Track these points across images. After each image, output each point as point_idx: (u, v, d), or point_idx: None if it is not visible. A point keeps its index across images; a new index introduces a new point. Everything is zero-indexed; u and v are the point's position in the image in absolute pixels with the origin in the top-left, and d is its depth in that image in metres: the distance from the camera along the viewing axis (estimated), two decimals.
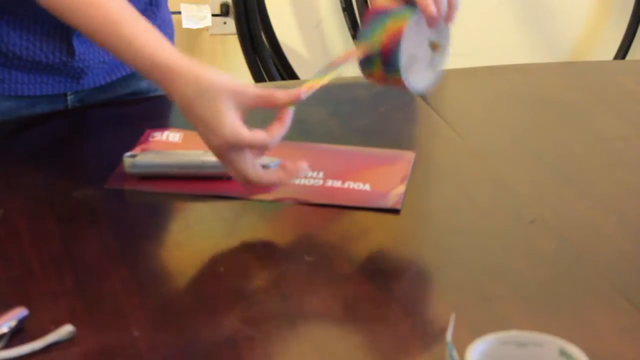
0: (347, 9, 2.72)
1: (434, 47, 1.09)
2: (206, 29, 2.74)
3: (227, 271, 0.97)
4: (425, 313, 0.91)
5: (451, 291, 0.95)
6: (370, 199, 1.09)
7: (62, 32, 1.22)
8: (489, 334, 0.74)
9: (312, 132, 1.24)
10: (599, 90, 1.44)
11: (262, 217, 1.07)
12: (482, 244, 1.03)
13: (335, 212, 1.07)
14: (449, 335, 0.73)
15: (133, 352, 0.84)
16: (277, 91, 1.01)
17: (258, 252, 1.00)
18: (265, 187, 1.04)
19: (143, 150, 1.15)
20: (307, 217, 1.07)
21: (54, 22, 1.19)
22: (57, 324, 0.85)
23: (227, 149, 1.00)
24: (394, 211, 1.07)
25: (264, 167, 1.04)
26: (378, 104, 1.36)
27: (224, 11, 2.73)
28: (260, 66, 2.64)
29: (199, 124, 1.01)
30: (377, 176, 1.13)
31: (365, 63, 1.09)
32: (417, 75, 1.08)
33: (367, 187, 1.11)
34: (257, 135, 1.00)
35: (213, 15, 2.71)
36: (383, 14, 1.08)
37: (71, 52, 1.24)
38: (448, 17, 1.07)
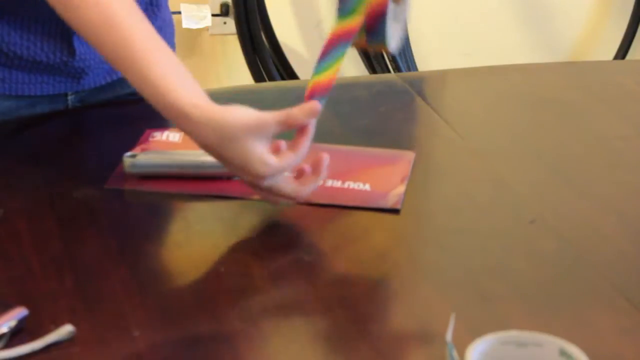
0: None
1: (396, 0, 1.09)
2: (206, 29, 2.74)
3: (227, 271, 0.97)
4: (425, 313, 0.91)
5: (451, 291, 0.95)
6: (370, 199, 1.09)
7: (63, 32, 1.22)
8: (489, 334, 0.74)
9: None
10: (599, 90, 1.44)
11: (262, 217, 1.07)
12: (482, 244, 1.03)
13: (335, 212, 1.07)
14: (449, 335, 0.73)
15: (133, 352, 0.84)
16: (292, 111, 1.01)
17: (258, 252, 1.00)
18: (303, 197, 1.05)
19: (143, 150, 1.15)
20: (307, 217, 1.06)
21: (55, 22, 1.19)
22: (57, 324, 0.85)
23: (261, 181, 1.01)
24: (394, 211, 1.07)
25: None
26: (378, 104, 1.36)
27: (224, 11, 2.73)
28: (260, 66, 2.64)
29: (227, 164, 1.02)
30: (377, 176, 1.13)
31: None
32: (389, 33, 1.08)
33: (367, 187, 1.11)
34: (285, 159, 1.00)
35: (213, 15, 2.71)
36: None
37: (72, 52, 1.24)
38: None
